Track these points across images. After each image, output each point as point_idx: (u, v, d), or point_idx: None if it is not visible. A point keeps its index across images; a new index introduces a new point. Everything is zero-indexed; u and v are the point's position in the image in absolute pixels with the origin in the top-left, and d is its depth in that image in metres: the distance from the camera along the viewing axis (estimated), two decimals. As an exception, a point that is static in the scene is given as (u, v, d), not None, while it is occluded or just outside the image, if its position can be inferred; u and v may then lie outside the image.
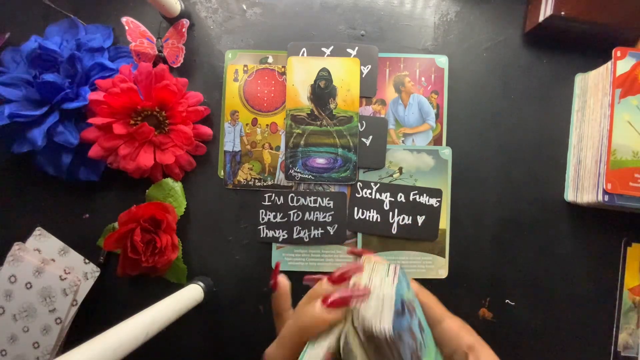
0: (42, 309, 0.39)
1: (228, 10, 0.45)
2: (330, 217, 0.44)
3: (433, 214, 0.44)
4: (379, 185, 0.44)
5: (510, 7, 0.45)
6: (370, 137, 0.44)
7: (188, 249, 0.43)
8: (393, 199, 0.44)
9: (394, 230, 0.44)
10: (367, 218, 0.44)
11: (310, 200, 0.44)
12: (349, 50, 0.44)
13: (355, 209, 0.44)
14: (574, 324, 0.44)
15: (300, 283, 0.45)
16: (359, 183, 0.44)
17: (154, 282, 0.43)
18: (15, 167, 0.43)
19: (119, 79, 0.38)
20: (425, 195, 0.44)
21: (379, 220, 0.44)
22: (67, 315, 0.40)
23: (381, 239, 0.44)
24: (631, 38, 0.43)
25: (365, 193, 0.44)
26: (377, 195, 0.44)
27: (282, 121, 0.44)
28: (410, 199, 0.44)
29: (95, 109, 0.38)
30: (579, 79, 0.44)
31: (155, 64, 0.42)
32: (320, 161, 0.44)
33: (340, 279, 0.24)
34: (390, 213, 0.44)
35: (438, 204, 0.44)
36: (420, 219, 0.44)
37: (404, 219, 0.44)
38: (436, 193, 0.44)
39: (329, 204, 0.44)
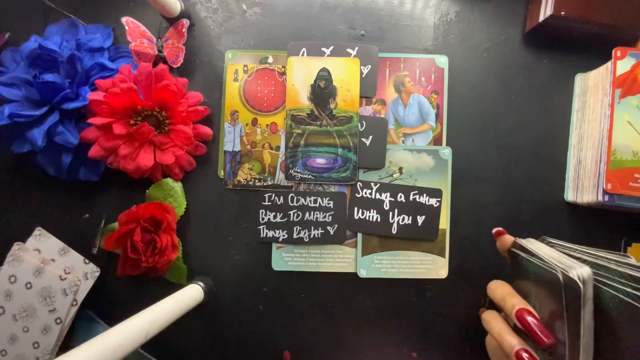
0: (42, 309, 0.39)
1: (228, 10, 0.45)
2: (330, 217, 0.44)
3: (433, 214, 0.44)
4: (379, 185, 0.44)
5: (510, 7, 0.45)
6: (370, 137, 0.44)
7: (188, 249, 0.43)
8: (393, 199, 0.44)
9: (394, 230, 0.44)
10: (367, 218, 0.44)
11: (310, 200, 0.44)
12: (349, 50, 0.44)
13: (355, 209, 0.44)
14: (574, 324, 0.44)
15: (300, 282, 0.45)
16: (359, 183, 0.44)
17: (154, 282, 0.43)
18: (15, 167, 0.43)
19: (119, 79, 0.38)
20: (425, 195, 0.44)
21: (379, 220, 0.44)
22: (67, 315, 0.40)
23: (381, 239, 0.44)
24: (631, 38, 0.43)
25: (365, 193, 0.44)
26: (377, 195, 0.44)
27: (282, 121, 0.44)
28: (410, 199, 0.44)
29: (95, 109, 0.38)
30: (579, 79, 0.44)
31: (155, 64, 0.42)
32: (320, 161, 0.44)
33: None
34: (390, 213, 0.44)
35: (438, 204, 0.44)
36: (420, 219, 0.44)
37: (404, 219, 0.44)
38: (436, 193, 0.44)
39: (329, 204, 0.44)
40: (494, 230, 0.36)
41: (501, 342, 0.30)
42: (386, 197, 0.44)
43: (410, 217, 0.44)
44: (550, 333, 0.26)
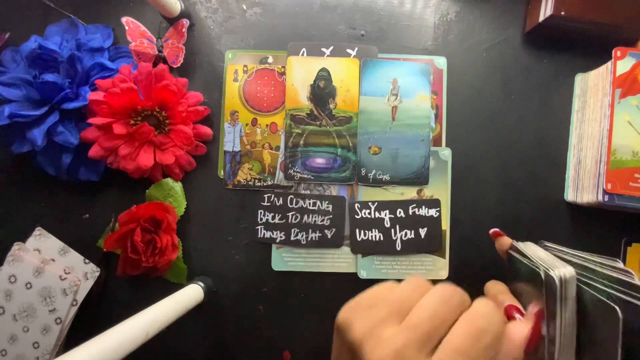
0: (42, 309, 0.39)
1: (228, 10, 0.45)
2: (329, 220, 0.43)
3: (434, 224, 0.43)
4: (376, 204, 0.43)
5: (510, 7, 0.45)
6: (370, 137, 0.44)
7: (188, 249, 0.44)
8: (393, 216, 0.43)
9: (399, 247, 0.43)
10: (370, 238, 0.43)
11: (309, 203, 0.43)
12: (348, 50, 0.44)
13: (357, 230, 0.43)
14: (574, 324, 0.44)
15: (300, 282, 0.45)
16: (356, 204, 0.43)
17: (154, 282, 0.43)
18: (15, 167, 0.43)
19: (119, 79, 0.39)
20: (424, 207, 0.43)
21: (382, 239, 0.43)
22: (67, 315, 0.40)
23: (381, 239, 0.44)
24: (631, 38, 0.43)
25: (365, 213, 0.43)
26: (377, 214, 0.43)
27: (281, 121, 0.44)
28: (410, 213, 0.43)
29: (95, 109, 0.38)
30: (579, 79, 0.44)
31: (155, 64, 0.42)
32: (319, 161, 0.44)
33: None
34: (392, 230, 0.43)
35: (438, 214, 0.43)
36: (422, 232, 0.43)
37: (406, 233, 0.43)
38: (434, 203, 0.43)
39: (327, 207, 0.43)
40: (491, 231, 0.37)
41: (495, 300, 0.31)
42: (385, 215, 0.43)
43: (413, 231, 0.43)
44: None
